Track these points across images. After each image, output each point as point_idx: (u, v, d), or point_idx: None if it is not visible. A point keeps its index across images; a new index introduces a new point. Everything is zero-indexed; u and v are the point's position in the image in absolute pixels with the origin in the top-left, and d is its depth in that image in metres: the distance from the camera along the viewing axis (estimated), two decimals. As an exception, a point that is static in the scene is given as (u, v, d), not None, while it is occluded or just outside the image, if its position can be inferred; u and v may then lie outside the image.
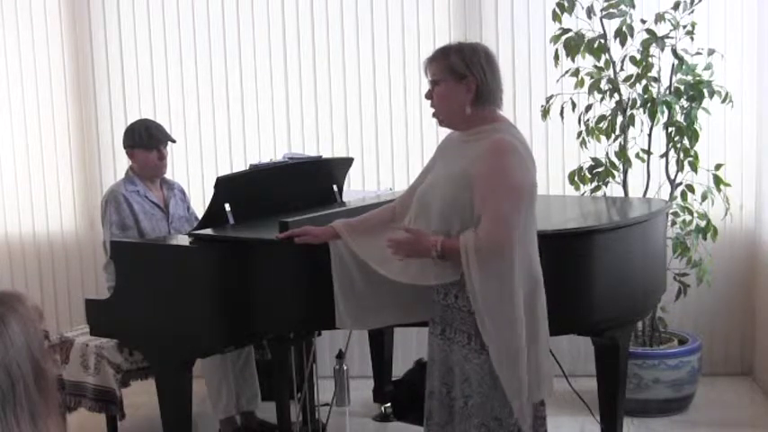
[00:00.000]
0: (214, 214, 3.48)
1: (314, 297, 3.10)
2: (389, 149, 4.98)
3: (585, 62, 4.35)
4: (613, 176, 4.38)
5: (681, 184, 4.37)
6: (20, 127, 5.22)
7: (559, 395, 4.31)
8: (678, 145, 4.29)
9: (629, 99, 4.31)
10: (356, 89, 4.98)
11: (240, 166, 4.96)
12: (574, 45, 4.28)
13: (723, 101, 4.30)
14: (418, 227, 2.73)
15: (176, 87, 5.08)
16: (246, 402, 4.17)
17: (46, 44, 5.15)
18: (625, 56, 4.29)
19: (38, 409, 1.55)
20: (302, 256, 3.14)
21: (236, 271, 3.25)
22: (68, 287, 5.27)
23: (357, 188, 4.66)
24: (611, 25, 4.29)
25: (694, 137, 4.25)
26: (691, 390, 4.36)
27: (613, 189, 4.45)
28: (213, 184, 3.52)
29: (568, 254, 3.15)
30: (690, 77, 4.26)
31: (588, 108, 4.39)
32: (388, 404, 4.39)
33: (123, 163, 4.76)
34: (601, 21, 4.27)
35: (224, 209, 3.51)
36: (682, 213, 4.35)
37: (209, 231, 3.41)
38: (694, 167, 4.31)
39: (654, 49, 4.23)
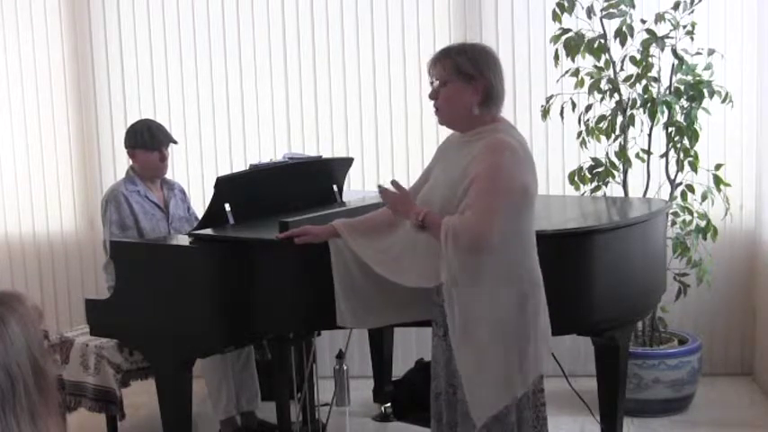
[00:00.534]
0: (214, 214, 3.48)
1: (314, 297, 3.10)
2: (389, 149, 4.98)
3: (585, 62, 4.35)
4: (613, 176, 4.38)
5: (681, 184, 4.37)
6: (20, 127, 5.22)
7: (559, 395, 4.32)
8: (678, 145, 4.29)
9: (629, 99, 4.31)
10: (356, 89, 4.98)
11: (240, 166, 4.96)
12: (574, 45, 4.28)
13: (723, 101, 4.30)
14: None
15: (176, 87, 5.08)
16: (246, 402, 4.17)
17: (46, 44, 5.15)
18: (625, 56, 4.29)
19: (38, 409, 1.55)
20: (302, 257, 3.14)
21: (236, 271, 3.25)
22: (68, 287, 5.27)
23: (357, 188, 4.66)
24: (611, 25, 4.29)
25: (694, 137, 4.24)
26: (691, 390, 4.36)
27: (613, 189, 4.45)
28: (213, 184, 3.52)
29: (568, 254, 3.15)
30: (690, 77, 4.26)
31: (588, 108, 4.39)
32: (388, 404, 4.39)
33: (123, 163, 4.76)
34: (601, 21, 4.27)
35: (224, 209, 3.51)
36: (682, 213, 4.35)
37: (209, 231, 3.41)
38: (694, 167, 4.31)
39: (654, 49, 4.23)
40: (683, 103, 4.27)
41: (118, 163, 5.06)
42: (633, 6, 4.27)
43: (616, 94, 4.31)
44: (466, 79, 2.68)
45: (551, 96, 4.44)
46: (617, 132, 4.35)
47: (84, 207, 5.22)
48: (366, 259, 2.88)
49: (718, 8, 4.64)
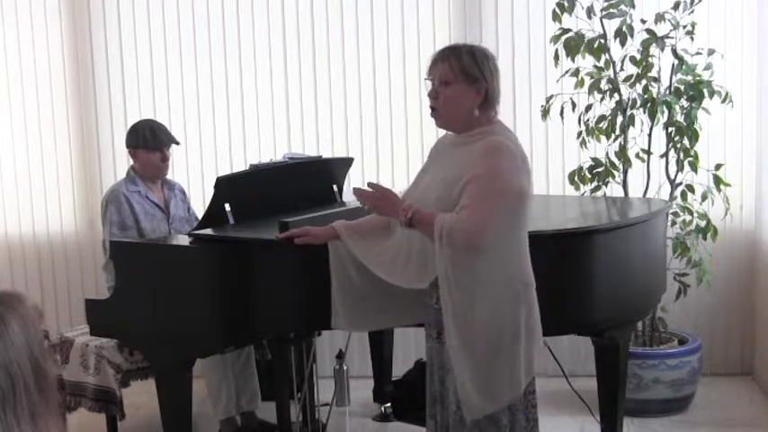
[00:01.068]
0: (214, 214, 3.48)
1: (314, 297, 3.10)
2: (389, 149, 4.97)
3: (585, 62, 4.35)
4: (613, 176, 4.38)
5: (681, 184, 4.37)
6: (20, 127, 5.22)
7: (559, 395, 4.32)
8: (678, 145, 4.29)
9: (629, 99, 4.31)
10: (356, 89, 4.98)
11: (240, 166, 4.96)
12: (574, 45, 4.28)
13: (723, 101, 4.30)
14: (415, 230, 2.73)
15: (176, 87, 5.08)
16: (246, 402, 4.17)
17: (46, 44, 5.15)
18: (625, 56, 4.29)
19: (38, 409, 1.55)
20: (302, 257, 3.14)
21: (236, 271, 3.25)
22: (68, 287, 5.27)
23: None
24: (611, 25, 4.29)
25: (694, 137, 4.24)
26: (691, 390, 4.36)
27: (613, 189, 4.45)
28: (213, 184, 3.52)
29: (568, 254, 3.15)
30: (690, 77, 4.26)
31: (588, 108, 4.39)
32: (388, 404, 4.39)
33: (123, 163, 4.77)
34: (601, 21, 4.27)
35: (224, 209, 3.51)
36: (682, 213, 4.35)
37: (209, 231, 3.41)
38: (694, 167, 4.31)
39: (654, 49, 4.23)
40: (683, 103, 4.27)
41: (118, 163, 5.06)
42: (633, 6, 4.27)
43: (616, 94, 4.31)
44: (470, 81, 2.67)
45: (551, 96, 4.44)
46: (617, 132, 4.35)
47: (84, 207, 5.22)
48: (364, 261, 2.87)
49: (718, 8, 4.63)
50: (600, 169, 4.38)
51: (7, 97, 5.20)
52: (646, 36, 4.22)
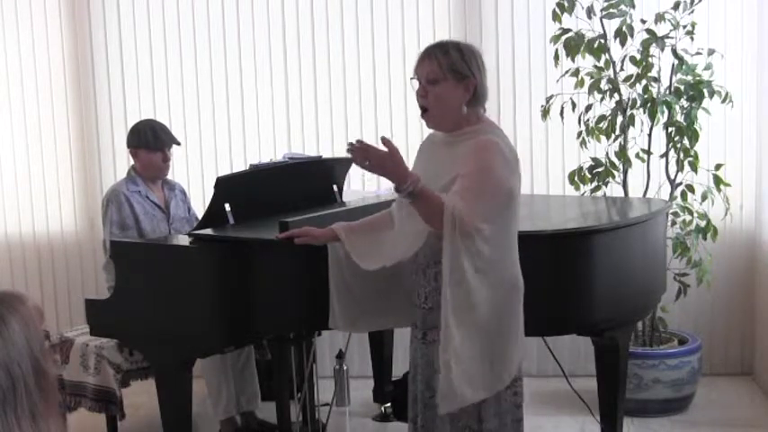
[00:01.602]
0: (214, 214, 3.48)
1: (314, 297, 3.10)
2: (389, 149, 4.97)
3: (585, 62, 4.35)
4: (613, 176, 4.38)
5: (681, 184, 4.37)
6: (20, 127, 5.22)
7: (559, 395, 4.32)
8: (678, 145, 4.29)
9: (629, 99, 4.31)
10: (356, 89, 4.98)
11: (240, 166, 4.96)
12: (574, 45, 4.28)
13: (723, 101, 4.30)
14: (409, 229, 2.71)
15: (176, 87, 5.08)
16: (246, 402, 4.17)
17: (46, 44, 5.15)
18: (625, 56, 4.29)
19: (38, 409, 1.55)
20: (302, 257, 3.14)
21: (236, 271, 3.25)
22: (68, 287, 5.27)
23: (357, 188, 4.66)
24: (611, 25, 4.29)
25: (694, 137, 4.25)
26: (691, 390, 4.36)
27: (613, 189, 4.45)
28: (213, 184, 3.52)
29: (568, 254, 3.15)
30: (690, 77, 4.26)
31: (588, 108, 4.39)
32: (388, 404, 4.39)
33: (123, 163, 4.77)
34: (601, 21, 4.27)
35: (224, 209, 3.51)
36: (682, 213, 4.35)
37: (209, 231, 3.41)
38: (694, 167, 4.31)
39: (654, 49, 4.23)
40: (683, 103, 4.27)
41: (118, 163, 5.06)
42: (633, 6, 4.27)
43: (616, 94, 4.31)
44: (459, 78, 2.65)
45: (551, 96, 4.44)
46: (617, 132, 4.35)
47: (84, 207, 5.22)
48: (356, 258, 2.82)
49: (718, 8, 4.64)
50: (600, 169, 4.38)
51: (7, 97, 5.20)
52: (646, 36, 4.22)
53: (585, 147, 4.39)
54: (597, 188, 4.40)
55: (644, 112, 4.29)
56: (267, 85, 5.03)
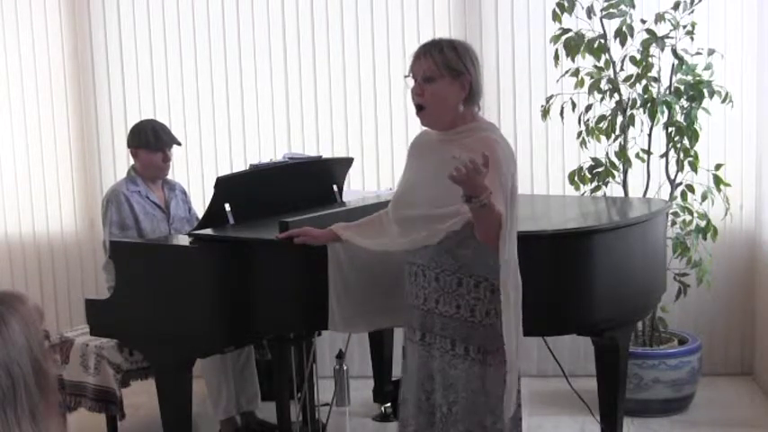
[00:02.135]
0: (214, 214, 3.48)
1: (314, 297, 3.10)
2: (389, 149, 4.98)
3: (585, 62, 4.35)
4: (613, 176, 4.38)
5: (681, 184, 4.37)
6: (20, 127, 5.22)
7: (559, 395, 4.32)
8: (678, 145, 4.29)
9: (629, 99, 4.31)
10: (356, 89, 4.98)
11: (240, 166, 4.96)
12: (574, 45, 4.28)
13: (723, 101, 4.30)
14: (406, 229, 2.71)
15: (176, 87, 5.08)
16: (246, 402, 4.17)
17: (46, 44, 5.15)
18: (625, 56, 4.29)
19: (38, 409, 1.55)
20: (302, 257, 3.14)
21: (236, 271, 3.25)
22: (68, 287, 5.27)
23: (357, 188, 4.66)
24: (611, 25, 4.29)
25: (694, 137, 4.25)
26: (691, 390, 4.36)
27: (613, 189, 4.45)
28: (213, 184, 3.52)
29: (568, 254, 3.15)
30: (690, 77, 4.26)
31: (588, 108, 4.39)
32: (388, 404, 4.39)
33: (123, 163, 4.77)
34: (601, 21, 4.27)
35: (224, 209, 3.51)
36: (682, 213, 4.35)
37: (209, 231, 3.41)
38: (694, 167, 4.31)
39: (654, 49, 4.23)
40: (683, 103, 4.27)
41: (118, 163, 5.06)
42: (633, 6, 4.27)
43: (616, 94, 4.31)
44: (455, 75, 2.65)
45: (551, 96, 4.44)
46: (617, 132, 4.35)
47: (84, 207, 5.22)
48: (371, 246, 2.83)
49: (718, 8, 4.63)
50: (600, 169, 4.38)
51: (7, 97, 5.20)
52: (646, 36, 4.22)
53: (585, 147, 4.39)
54: (597, 188, 4.40)
55: (644, 112, 4.29)
56: (267, 85, 5.03)
